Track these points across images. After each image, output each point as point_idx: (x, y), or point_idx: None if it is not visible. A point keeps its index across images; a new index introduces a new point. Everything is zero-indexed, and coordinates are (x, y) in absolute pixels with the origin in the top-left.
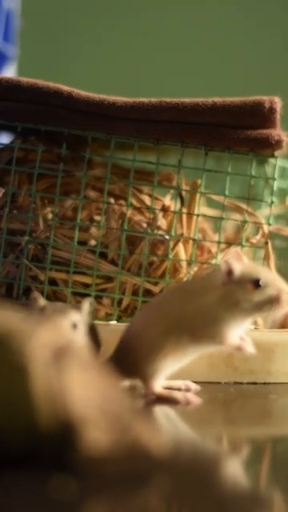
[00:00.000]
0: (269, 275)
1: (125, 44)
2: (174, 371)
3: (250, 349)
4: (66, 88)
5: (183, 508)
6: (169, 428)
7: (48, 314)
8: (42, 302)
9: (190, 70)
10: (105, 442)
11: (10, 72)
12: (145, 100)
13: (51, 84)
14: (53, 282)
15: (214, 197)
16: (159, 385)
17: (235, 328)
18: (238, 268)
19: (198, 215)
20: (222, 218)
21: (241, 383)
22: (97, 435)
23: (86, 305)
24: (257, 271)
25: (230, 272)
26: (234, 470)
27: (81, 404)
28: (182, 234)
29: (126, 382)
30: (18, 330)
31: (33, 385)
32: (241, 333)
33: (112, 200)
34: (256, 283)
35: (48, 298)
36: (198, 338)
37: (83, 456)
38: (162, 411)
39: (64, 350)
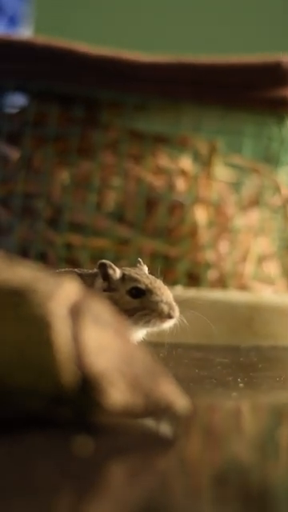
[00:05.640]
0: None
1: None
2: None
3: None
4: (81, 47)
5: (202, 471)
6: (190, 391)
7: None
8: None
9: (207, 24)
10: (123, 404)
11: (26, 31)
12: (162, 59)
13: (66, 43)
14: (69, 247)
15: (232, 158)
16: None
17: None
18: None
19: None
20: (239, 182)
21: (261, 347)
22: (116, 396)
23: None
24: None
25: None
26: (256, 433)
27: (98, 364)
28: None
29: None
30: (41, 287)
31: (55, 339)
32: None
33: (130, 163)
34: None
35: (66, 262)
36: None
37: (103, 416)
38: (183, 373)
39: (84, 308)
